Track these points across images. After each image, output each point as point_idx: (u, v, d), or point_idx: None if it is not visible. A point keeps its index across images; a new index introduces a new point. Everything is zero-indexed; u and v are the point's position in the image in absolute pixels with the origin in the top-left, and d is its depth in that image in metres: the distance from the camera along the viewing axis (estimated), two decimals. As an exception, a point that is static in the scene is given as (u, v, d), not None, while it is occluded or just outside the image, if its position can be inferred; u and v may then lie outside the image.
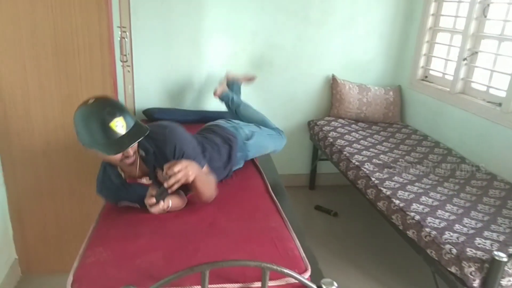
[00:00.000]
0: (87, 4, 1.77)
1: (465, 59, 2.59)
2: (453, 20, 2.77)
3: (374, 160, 2.40)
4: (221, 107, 2.78)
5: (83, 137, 1.37)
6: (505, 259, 1.40)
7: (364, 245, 2.57)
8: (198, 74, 2.96)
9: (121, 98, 2.36)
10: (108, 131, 1.33)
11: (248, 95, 3.00)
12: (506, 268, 1.42)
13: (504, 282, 1.45)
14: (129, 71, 2.62)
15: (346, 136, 2.78)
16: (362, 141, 2.72)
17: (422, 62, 3.04)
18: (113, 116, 1.34)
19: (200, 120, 2.76)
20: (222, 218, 1.62)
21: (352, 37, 3.10)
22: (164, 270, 1.23)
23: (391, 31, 3.14)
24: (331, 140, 2.73)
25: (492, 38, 2.43)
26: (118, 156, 1.41)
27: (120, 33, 2.30)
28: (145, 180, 1.63)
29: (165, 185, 1.42)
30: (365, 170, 2.27)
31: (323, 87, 3.17)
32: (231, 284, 1.26)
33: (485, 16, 2.47)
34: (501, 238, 1.63)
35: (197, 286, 1.23)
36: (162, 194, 1.46)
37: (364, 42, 3.13)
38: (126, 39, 2.30)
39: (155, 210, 1.49)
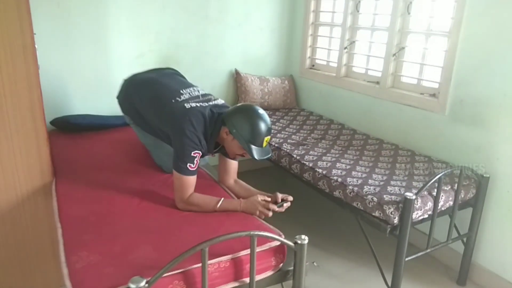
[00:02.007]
0: (6, 13, 1.64)
1: (345, 48, 3.11)
2: (331, 15, 3.27)
3: (289, 141, 2.74)
4: None
5: (245, 132, 1.73)
6: (413, 197, 1.84)
7: (296, 214, 2.92)
8: (105, 77, 2.89)
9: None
10: (262, 141, 1.76)
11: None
12: (414, 205, 1.87)
13: (414, 215, 1.91)
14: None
15: (259, 123, 3.07)
16: (273, 125, 3.04)
17: (308, 53, 3.50)
18: (269, 134, 1.78)
19: (118, 124, 2.74)
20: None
21: (248, 33, 3.39)
22: (161, 260, 1.32)
23: (280, 27, 3.52)
24: (247, 128, 2.99)
25: (366, 29, 2.97)
26: (239, 153, 1.83)
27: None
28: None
29: (283, 205, 1.76)
30: (285, 149, 2.59)
31: (228, 81, 3.40)
32: (224, 257, 1.41)
33: (358, 11, 3.00)
34: (404, 184, 2.11)
35: (195, 265, 1.35)
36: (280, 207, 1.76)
37: (259, 38, 3.45)
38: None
39: (271, 214, 1.74)
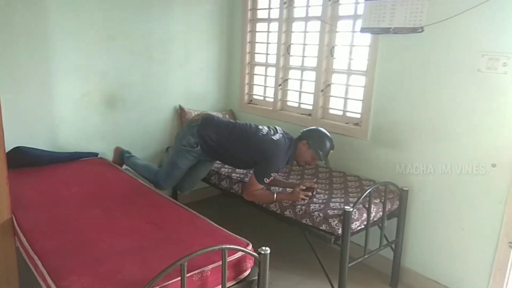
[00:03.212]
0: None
1: (280, 85, 3.49)
2: (265, 56, 3.66)
3: (237, 170, 2.97)
4: (78, 147, 2.96)
5: (319, 145, 2.52)
6: (351, 209, 2.17)
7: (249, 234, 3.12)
8: (49, 116, 2.91)
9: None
10: (328, 152, 2.54)
11: (107, 131, 3.17)
12: (352, 216, 2.20)
13: (353, 226, 2.24)
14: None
15: (206, 155, 3.28)
16: (219, 157, 3.27)
17: (246, 89, 3.84)
18: (333, 148, 2.56)
19: (63, 159, 2.79)
20: (159, 226, 1.90)
21: (190, 73, 3.63)
22: (146, 277, 1.45)
23: (219, 67, 3.83)
24: (195, 160, 3.17)
25: (297, 69, 3.39)
26: (309, 160, 2.58)
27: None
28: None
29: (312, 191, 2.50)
30: (235, 177, 2.82)
31: (173, 116, 3.58)
32: (197, 270, 1.58)
33: (289, 54, 3.42)
34: (342, 200, 2.45)
35: (174, 279, 1.50)
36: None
37: (200, 77, 3.71)
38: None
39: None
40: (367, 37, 2.79)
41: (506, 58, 2.17)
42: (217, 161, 2.90)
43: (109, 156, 3.15)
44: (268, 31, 3.57)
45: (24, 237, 1.80)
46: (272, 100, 3.59)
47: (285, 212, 2.43)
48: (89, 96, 3.08)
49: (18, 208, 2.07)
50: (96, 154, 3.07)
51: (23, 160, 2.60)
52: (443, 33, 2.39)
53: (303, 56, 3.32)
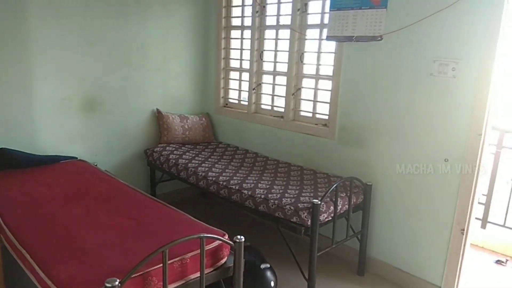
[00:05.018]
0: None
1: (253, 89, 3.68)
2: (239, 62, 3.83)
3: (213, 169, 3.13)
4: (57, 150, 3.05)
5: None
6: (319, 202, 2.37)
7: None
8: (29, 119, 2.99)
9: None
10: None
11: (87, 134, 3.27)
12: (320, 208, 2.40)
13: (321, 218, 2.43)
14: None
15: (184, 156, 3.42)
16: (197, 157, 3.41)
17: (222, 93, 4.00)
18: None
19: (44, 162, 2.88)
20: (140, 221, 2.04)
21: (167, 77, 3.77)
22: (130, 265, 1.59)
23: (194, 71, 3.98)
24: (174, 161, 3.31)
25: (269, 74, 3.58)
26: None
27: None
28: None
29: None
30: (211, 177, 2.97)
31: (150, 119, 3.70)
32: (177, 257, 1.73)
33: (262, 59, 3.61)
34: (312, 194, 2.64)
35: (156, 266, 1.64)
36: None
37: (176, 81, 3.86)
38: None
39: None
40: (333, 44, 3.01)
41: (454, 63, 2.43)
42: (196, 160, 3.03)
43: (88, 158, 3.24)
44: (242, 38, 3.76)
45: (11, 233, 1.89)
46: (246, 103, 3.77)
47: (259, 207, 2.60)
48: (68, 100, 3.17)
49: (3, 207, 2.16)
50: (75, 158, 3.15)
51: (7, 161, 2.67)
52: (400, 41, 2.64)
53: (275, 62, 3.52)
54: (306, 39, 3.25)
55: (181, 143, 3.76)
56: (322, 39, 3.10)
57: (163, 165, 3.41)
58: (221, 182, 2.88)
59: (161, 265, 1.62)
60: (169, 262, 1.66)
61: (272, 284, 2.43)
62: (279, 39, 3.45)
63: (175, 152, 3.50)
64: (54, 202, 2.29)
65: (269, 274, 2.44)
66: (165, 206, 2.30)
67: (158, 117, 3.71)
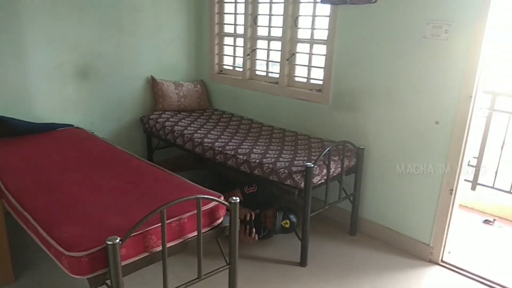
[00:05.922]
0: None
1: (248, 55, 3.66)
2: (233, 27, 3.79)
3: (209, 135, 3.17)
4: (53, 117, 3.06)
5: None
6: (312, 165, 2.42)
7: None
8: (24, 88, 2.99)
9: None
10: None
11: (82, 101, 3.28)
12: (313, 171, 2.46)
13: (314, 180, 2.50)
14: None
15: (180, 123, 3.45)
16: (192, 124, 3.44)
17: (216, 60, 3.98)
18: None
19: (41, 129, 2.91)
20: (138, 184, 2.11)
21: (160, 44, 3.74)
22: (129, 222, 1.66)
23: (188, 37, 3.94)
24: (170, 128, 3.34)
25: (264, 39, 3.56)
26: None
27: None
28: None
29: None
30: (207, 143, 3.02)
31: (145, 87, 3.70)
32: (175, 217, 1.80)
33: (256, 24, 3.58)
34: (305, 158, 2.70)
35: (155, 225, 1.71)
36: None
37: (170, 47, 3.82)
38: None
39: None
40: (328, 8, 2.98)
41: (447, 26, 2.43)
42: (192, 127, 3.05)
43: (85, 126, 3.27)
44: (236, 2, 3.69)
45: (13, 197, 1.95)
46: (241, 70, 3.76)
47: (254, 171, 2.66)
48: (62, 67, 3.16)
49: (3, 173, 2.21)
50: (72, 126, 3.17)
51: (4, 129, 2.70)
52: (394, 3, 2.62)
53: (270, 27, 3.48)
54: (301, 2, 3.21)
55: (177, 110, 3.78)
56: (317, 2, 3.07)
57: (159, 132, 3.45)
58: (216, 148, 2.93)
59: (160, 224, 1.69)
60: (167, 221, 1.72)
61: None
62: (273, 2, 3.40)
63: (170, 119, 3.53)
64: (53, 168, 2.34)
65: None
66: (162, 171, 2.35)
67: (153, 85, 3.70)
